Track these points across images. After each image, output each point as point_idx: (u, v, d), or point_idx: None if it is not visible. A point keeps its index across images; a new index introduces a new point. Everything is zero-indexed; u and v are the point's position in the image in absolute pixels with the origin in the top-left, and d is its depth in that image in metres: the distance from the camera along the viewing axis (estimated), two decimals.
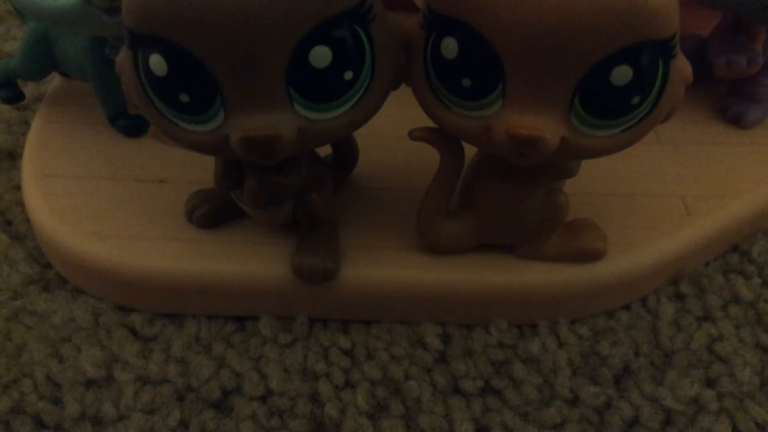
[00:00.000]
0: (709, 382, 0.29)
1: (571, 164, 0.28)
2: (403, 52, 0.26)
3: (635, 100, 0.24)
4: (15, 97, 0.40)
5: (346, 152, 0.34)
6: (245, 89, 0.23)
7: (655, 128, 0.26)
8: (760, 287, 0.33)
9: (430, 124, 0.27)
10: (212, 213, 0.32)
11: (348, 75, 0.24)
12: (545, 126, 0.24)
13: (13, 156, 0.40)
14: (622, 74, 0.23)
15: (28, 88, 0.42)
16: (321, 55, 0.23)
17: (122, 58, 0.24)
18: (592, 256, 0.30)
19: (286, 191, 0.29)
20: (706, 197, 0.34)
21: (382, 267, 0.30)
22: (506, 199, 0.29)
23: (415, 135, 0.28)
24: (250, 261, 0.31)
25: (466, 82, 0.24)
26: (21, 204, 0.36)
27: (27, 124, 0.41)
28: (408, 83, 0.27)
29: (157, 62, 0.23)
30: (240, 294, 0.31)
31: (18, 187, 0.37)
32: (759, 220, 0.35)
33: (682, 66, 0.25)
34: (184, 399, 0.29)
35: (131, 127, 0.37)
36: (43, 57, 0.37)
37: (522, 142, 0.24)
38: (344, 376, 0.29)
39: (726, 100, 0.39)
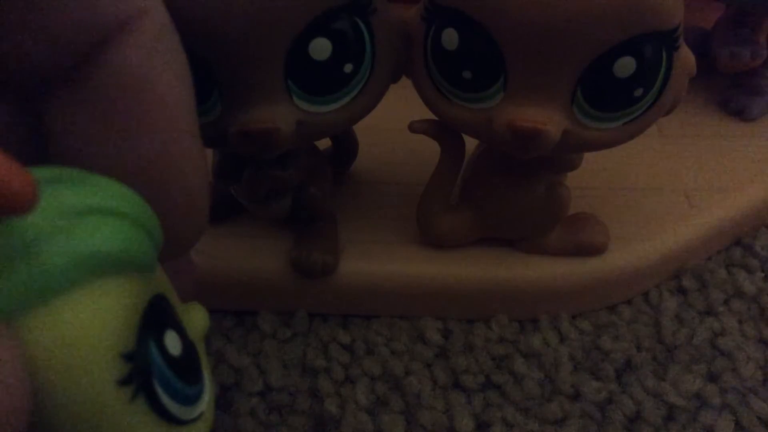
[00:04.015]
0: (712, 377, 0.29)
1: (572, 157, 0.28)
2: (403, 45, 0.26)
3: (638, 92, 0.23)
4: None
5: (345, 146, 0.33)
6: (243, 81, 0.23)
7: (658, 121, 0.25)
8: (763, 281, 0.33)
9: (431, 117, 0.27)
10: (210, 207, 0.31)
11: (348, 68, 0.24)
12: (547, 118, 0.23)
13: None
14: (625, 66, 0.22)
15: None
16: (321, 48, 0.23)
17: None
18: (594, 250, 0.30)
19: (285, 185, 0.28)
20: (709, 191, 0.34)
21: (381, 261, 0.30)
22: (507, 192, 0.29)
23: (415, 127, 0.27)
24: (248, 255, 0.30)
25: (467, 74, 0.24)
26: None
27: None
28: (408, 76, 0.27)
29: None
30: (239, 288, 0.30)
31: None
32: (762, 213, 0.34)
33: (686, 58, 0.24)
34: None
35: None
36: None
37: (523, 134, 0.23)
38: (344, 372, 0.29)
39: (729, 93, 0.39)
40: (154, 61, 0.15)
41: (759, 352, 0.30)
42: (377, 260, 0.30)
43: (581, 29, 0.22)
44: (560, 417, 0.28)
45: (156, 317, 0.15)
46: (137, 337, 0.14)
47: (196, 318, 0.18)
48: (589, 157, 0.28)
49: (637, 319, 0.31)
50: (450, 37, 0.24)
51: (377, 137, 0.34)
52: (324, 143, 0.32)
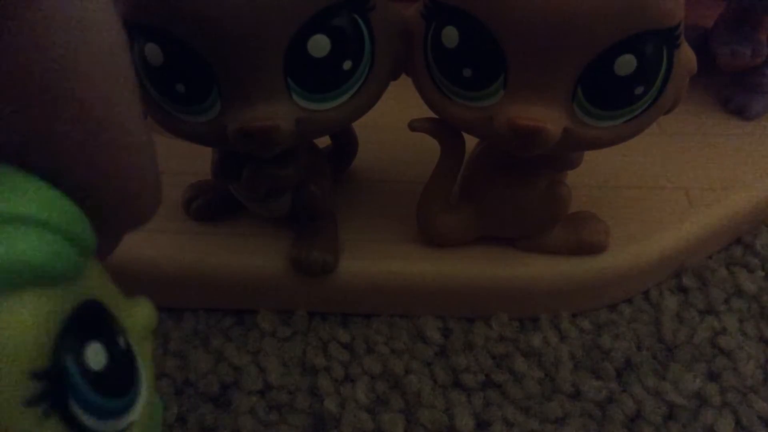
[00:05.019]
0: (712, 376, 0.29)
1: (573, 156, 0.28)
2: (402, 42, 0.25)
3: (639, 90, 0.23)
4: None
5: (345, 144, 0.33)
6: (242, 79, 0.23)
7: (658, 119, 0.25)
8: (764, 280, 0.33)
9: (431, 115, 0.27)
10: (210, 205, 0.31)
11: (347, 65, 0.24)
12: (547, 116, 0.23)
13: None
14: (625, 64, 0.22)
15: None
16: (320, 44, 0.23)
17: None
18: (594, 248, 0.30)
19: (285, 183, 0.28)
20: (709, 189, 0.33)
21: (381, 260, 0.30)
22: (507, 190, 0.28)
23: (415, 126, 0.27)
24: (248, 254, 0.30)
25: (467, 72, 0.24)
26: None
27: None
28: (408, 73, 0.27)
29: (152, 52, 0.22)
30: (238, 287, 0.30)
31: None
32: (762, 212, 0.34)
33: (687, 56, 0.24)
34: (182, 393, 0.28)
35: None
36: None
37: (523, 132, 0.23)
38: (344, 370, 0.29)
39: (729, 91, 0.39)
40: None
41: (759, 351, 0.30)
42: (377, 259, 0.30)
43: (582, 27, 0.22)
44: (560, 416, 0.28)
45: (79, 328, 0.14)
46: (53, 353, 0.13)
47: (140, 315, 0.17)
48: (589, 155, 0.28)
49: (637, 317, 0.31)
50: (450, 35, 0.23)
51: (377, 135, 0.34)
52: (324, 141, 0.32)
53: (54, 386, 0.13)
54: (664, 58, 0.23)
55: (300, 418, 0.27)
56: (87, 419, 0.14)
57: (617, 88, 0.23)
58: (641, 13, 0.22)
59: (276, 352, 0.29)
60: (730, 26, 0.37)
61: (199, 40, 0.22)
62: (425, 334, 0.30)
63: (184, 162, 0.34)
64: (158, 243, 0.31)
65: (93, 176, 0.15)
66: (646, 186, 0.34)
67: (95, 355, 0.14)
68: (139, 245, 0.30)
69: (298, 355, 0.29)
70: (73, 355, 0.14)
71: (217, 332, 0.30)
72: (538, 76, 0.23)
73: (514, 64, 0.23)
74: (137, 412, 0.15)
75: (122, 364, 0.15)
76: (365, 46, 0.24)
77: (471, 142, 0.28)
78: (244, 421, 0.27)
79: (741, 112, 0.38)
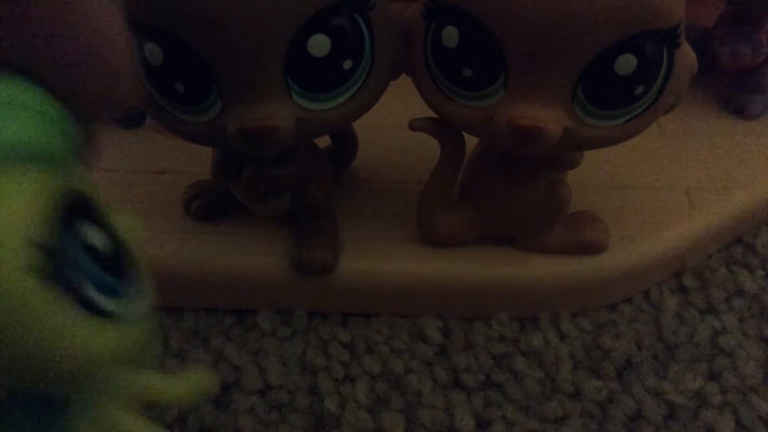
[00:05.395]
0: (713, 376, 0.29)
1: (573, 155, 0.28)
2: (402, 42, 0.25)
3: (639, 89, 0.23)
4: None
5: (345, 143, 0.33)
6: (242, 79, 0.23)
7: (659, 119, 0.25)
8: (764, 280, 0.33)
9: (431, 114, 0.27)
10: (210, 205, 0.31)
11: (347, 64, 0.24)
12: (548, 116, 0.23)
13: None
14: (626, 63, 0.22)
15: None
16: (320, 44, 0.23)
17: None
18: (595, 248, 0.30)
19: (285, 183, 0.28)
20: (709, 189, 0.33)
21: (381, 259, 0.30)
22: (507, 190, 0.28)
23: (415, 125, 0.27)
24: (248, 253, 0.30)
25: (467, 72, 0.24)
26: None
27: None
28: (408, 73, 0.27)
29: (152, 51, 0.22)
30: (238, 287, 0.30)
31: None
32: (763, 212, 0.34)
33: (687, 56, 0.24)
34: None
35: (128, 118, 0.36)
36: None
37: (524, 132, 0.23)
38: (344, 370, 0.29)
39: (730, 91, 0.39)
40: None
41: (760, 351, 0.30)
42: (377, 259, 0.30)
43: (582, 27, 0.22)
44: (561, 416, 0.28)
45: (76, 211, 0.14)
46: (54, 229, 0.13)
47: (128, 222, 0.18)
48: (589, 155, 0.28)
49: (637, 317, 0.31)
50: (450, 35, 0.23)
51: (377, 135, 0.34)
52: (324, 141, 0.32)
53: (58, 259, 0.13)
54: (664, 58, 0.23)
55: (300, 418, 0.27)
56: (94, 294, 0.14)
57: (617, 88, 0.23)
58: (641, 12, 0.22)
59: (276, 352, 0.29)
60: (730, 26, 0.37)
61: (199, 40, 0.22)
62: (425, 333, 0.30)
63: (184, 162, 0.34)
64: (158, 243, 0.31)
65: (63, 52, 0.15)
66: (647, 186, 0.34)
67: (96, 235, 0.15)
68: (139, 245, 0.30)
69: (298, 355, 0.29)
70: (75, 233, 0.14)
71: (217, 332, 0.30)
72: (539, 75, 0.23)
73: (514, 64, 0.23)
74: (139, 299, 0.16)
75: (119, 250, 0.16)
76: (365, 45, 0.24)
77: (471, 142, 0.28)
78: (245, 421, 0.27)
79: (741, 112, 0.38)
